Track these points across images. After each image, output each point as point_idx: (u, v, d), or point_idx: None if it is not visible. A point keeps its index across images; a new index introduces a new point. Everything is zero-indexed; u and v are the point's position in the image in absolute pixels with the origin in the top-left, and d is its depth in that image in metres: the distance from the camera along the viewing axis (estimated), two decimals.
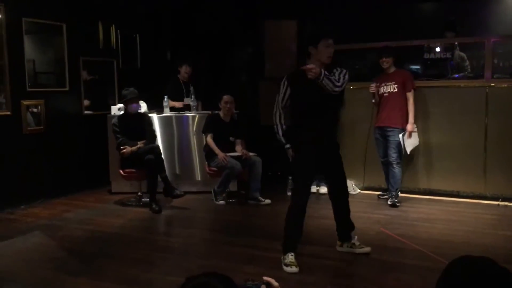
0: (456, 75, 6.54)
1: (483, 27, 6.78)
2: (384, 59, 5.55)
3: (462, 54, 6.47)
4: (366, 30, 6.68)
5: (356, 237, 4.04)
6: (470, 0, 6.77)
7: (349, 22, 6.81)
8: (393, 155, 5.55)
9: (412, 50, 6.78)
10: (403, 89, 5.53)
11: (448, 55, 6.57)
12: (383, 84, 5.61)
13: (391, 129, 5.55)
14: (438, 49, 6.83)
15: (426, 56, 6.69)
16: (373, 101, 5.75)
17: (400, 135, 5.52)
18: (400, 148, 5.56)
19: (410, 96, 5.53)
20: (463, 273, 1.30)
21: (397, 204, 5.52)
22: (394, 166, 5.56)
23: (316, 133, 3.81)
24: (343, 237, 4.05)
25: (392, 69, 5.60)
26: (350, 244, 4.02)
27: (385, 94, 5.59)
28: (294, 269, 3.63)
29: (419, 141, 5.73)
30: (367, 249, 3.98)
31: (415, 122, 5.57)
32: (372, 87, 5.65)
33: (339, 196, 4.01)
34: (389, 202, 5.58)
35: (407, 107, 5.54)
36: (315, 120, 3.81)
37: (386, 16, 6.79)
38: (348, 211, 4.05)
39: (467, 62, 6.51)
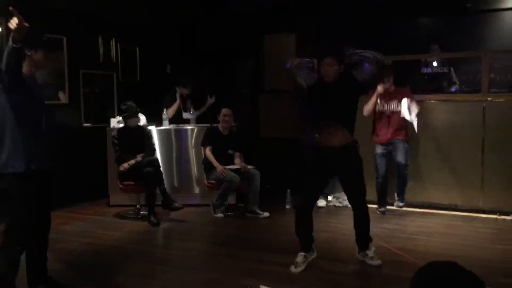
0: (453, 89, 6.60)
1: (479, 42, 6.86)
2: (387, 78, 5.55)
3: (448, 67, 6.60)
4: (365, 44, 6.74)
5: (373, 248, 4.10)
6: (466, 15, 6.85)
7: (347, 36, 6.87)
8: (403, 160, 5.62)
9: (409, 64, 6.85)
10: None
11: (445, 69, 6.64)
12: (384, 102, 5.64)
13: (398, 140, 5.64)
14: (435, 64, 6.91)
15: (424, 70, 6.76)
16: (366, 112, 5.66)
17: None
18: (407, 153, 5.65)
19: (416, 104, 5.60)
20: (430, 280, 1.35)
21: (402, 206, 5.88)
22: (406, 170, 5.68)
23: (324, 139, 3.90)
24: (359, 246, 4.12)
25: (392, 88, 5.64)
26: (363, 254, 4.07)
27: (386, 113, 5.63)
28: (293, 269, 3.86)
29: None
30: (377, 262, 4.02)
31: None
32: (380, 88, 5.53)
33: (354, 208, 4.09)
34: (397, 207, 5.83)
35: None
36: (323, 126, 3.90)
37: (384, 31, 6.86)
38: (363, 223, 4.08)
39: (454, 74, 6.61)
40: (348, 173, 4.00)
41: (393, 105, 5.63)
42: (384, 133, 5.68)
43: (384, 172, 5.72)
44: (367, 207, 4.09)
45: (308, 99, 4.06)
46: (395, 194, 5.90)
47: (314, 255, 4.07)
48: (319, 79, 3.92)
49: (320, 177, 4.05)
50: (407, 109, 5.55)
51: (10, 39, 2.88)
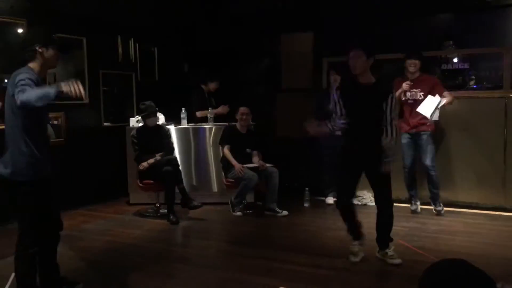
0: (475, 86, 6.50)
1: (501, 38, 6.73)
2: (411, 61, 5.35)
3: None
4: (383, 41, 6.68)
5: (393, 247, 4.10)
6: (485, 11, 6.72)
7: (365, 33, 6.82)
8: (428, 161, 5.43)
9: (429, 61, 6.75)
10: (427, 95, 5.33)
11: (466, 65, 6.54)
12: (407, 90, 5.43)
13: (424, 133, 5.42)
14: (455, 60, 6.81)
15: (444, 67, 6.66)
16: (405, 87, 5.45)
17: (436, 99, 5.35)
18: (434, 152, 5.44)
19: (447, 94, 5.33)
20: (439, 280, 1.34)
21: (442, 212, 5.57)
22: (433, 172, 5.47)
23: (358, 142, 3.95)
24: (379, 245, 4.14)
25: (417, 74, 5.40)
26: (383, 253, 4.08)
27: (409, 101, 5.42)
28: (352, 258, 4.04)
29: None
30: (397, 261, 4.01)
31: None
32: (405, 85, 5.38)
33: (380, 208, 4.11)
34: (435, 211, 5.58)
35: None
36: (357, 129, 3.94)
37: (402, 28, 6.78)
38: (387, 224, 4.10)
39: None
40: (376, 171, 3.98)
41: (414, 93, 5.39)
42: (408, 122, 5.48)
43: (410, 163, 5.54)
44: (392, 207, 4.08)
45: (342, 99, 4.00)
46: (430, 200, 5.70)
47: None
48: (352, 80, 3.94)
49: (351, 174, 4.08)
50: (429, 106, 5.28)
51: (59, 87, 2.85)
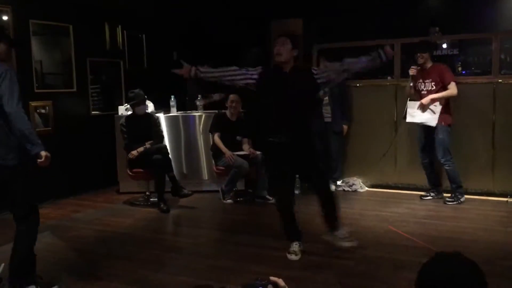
0: (463, 71, 6.51)
1: (489, 23, 6.75)
2: (419, 54, 5.33)
3: None
4: (372, 27, 6.67)
5: (344, 228, 3.98)
6: None
7: (354, 19, 6.80)
8: (439, 155, 5.37)
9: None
10: (440, 86, 5.31)
11: (455, 51, 6.55)
12: (420, 81, 5.42)
13: (436, 127, 5.37)
14: (445, 46, 6.82)
15: (433, 53, 6.66)
16: (408, 87, 5.52)
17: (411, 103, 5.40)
18: (444, 145, 5.35)
19: (451, 87, 5.27)
20: (436, 271, 1.35)
21: (461, 201, 5.43)
22: (446, 166, 5.39)
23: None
24: (328, 227, 3.99)
25: (429, 64, 5.38)
26: (333, 236, 3.95)
27: (422, 92, 5.41)
28: (293, 257, 3.85)
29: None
30: (350, 243, 3.90)
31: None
32: (413, 69, 5.38)
33: (319, 192, 3.97)
34: (449, 202, 5.42)
35: (449, 102, 5.37)
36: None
37: (394, 13, 6.77)
38: (330, 208, 3.95)
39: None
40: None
41: (427, 84, 5.36)
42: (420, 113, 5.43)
43: (421, 147, 5.54)
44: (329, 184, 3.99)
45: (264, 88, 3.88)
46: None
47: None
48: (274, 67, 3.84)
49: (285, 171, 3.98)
50: (432, 113, 5.31)
51: (41, 151, 3.18)
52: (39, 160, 3.17)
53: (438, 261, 1.36)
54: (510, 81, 5.63)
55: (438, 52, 6.99)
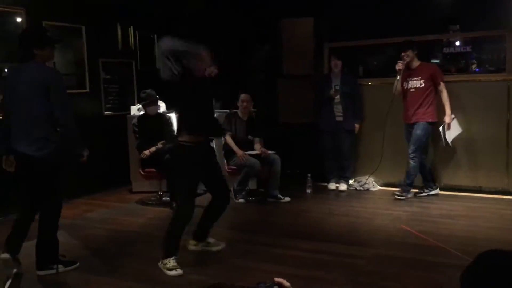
0: (477, 69, 6.45)
1: (503, 20, 6.66)
2: (403, 53, 5.40)
3: None
4: (384, 25, 6.62)
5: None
6: None
7: (365, 18, 6.76)
8: (410, 148, 5.46)
9: (432, 44, 6.70)
10: (430, 84, 5.36)
11: (468, 49, 6.48)
12: (407, 79, 5.46)
13: (417, 124, 5.43)
14: (458, 43, 6.76)
15: (446, 50, 6.61)
16: (394, 90, 5.55)
17: (440, 128, 5.42)
18: (419, 142, 5.42)
19: (442, 88, 5.37)
20: (488, 267, 1.25)
21: (401, 198, 5.51)
22: (411, 160, 5.46)
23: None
24: (201, 236, 4.10)
25: (416, 63, 5.45)
26: (206, 243, 4.10)
27: (411, 90, 5.44)
28: (179, 271, 3.62)
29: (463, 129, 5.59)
30: (221, 246, 4.11)
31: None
32: (400, 64, 5.43)
33: (220, 197, 4.08)
34: (397, 197, 5.55)
35: (434, 101, 5.41)
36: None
37: (404, 11, 6.71)
38: (217, 217, 4.11)
39: None
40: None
41: (415, 82, 5.41)
42: (407, 112, 5.52)
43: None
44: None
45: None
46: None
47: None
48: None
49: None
50: (443, 135, 5.41)
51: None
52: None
53: (483, 260, 1.27)
54: None
55: (452, 50, 6.94)
